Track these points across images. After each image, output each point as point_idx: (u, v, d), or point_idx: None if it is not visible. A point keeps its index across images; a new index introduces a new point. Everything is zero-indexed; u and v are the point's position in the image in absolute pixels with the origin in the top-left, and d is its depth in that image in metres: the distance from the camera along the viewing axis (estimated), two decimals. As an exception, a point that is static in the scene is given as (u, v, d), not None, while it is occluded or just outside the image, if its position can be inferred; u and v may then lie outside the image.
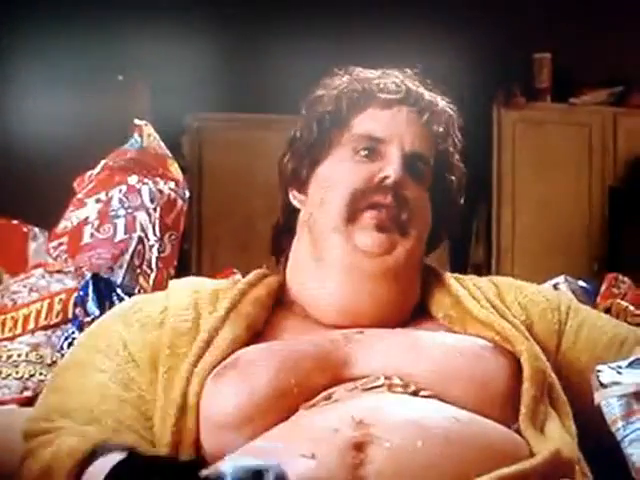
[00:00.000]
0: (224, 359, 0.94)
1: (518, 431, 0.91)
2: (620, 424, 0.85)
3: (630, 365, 0.88)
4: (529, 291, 1.06)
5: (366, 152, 1.01)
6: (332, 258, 0.99)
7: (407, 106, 1.04)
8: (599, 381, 0.87)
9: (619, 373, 0.88)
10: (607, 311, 1.30)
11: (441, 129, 1.05)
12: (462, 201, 1.09)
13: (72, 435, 0.90)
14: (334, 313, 0.99)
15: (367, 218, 0.99)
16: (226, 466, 0.69)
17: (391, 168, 1.00)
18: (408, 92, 1.04)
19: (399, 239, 1.00)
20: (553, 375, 0.97)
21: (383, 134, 1.02)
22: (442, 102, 1.06)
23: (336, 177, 1.01)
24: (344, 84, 1.05)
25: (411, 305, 1.03)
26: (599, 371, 0.88)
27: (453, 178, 1.06)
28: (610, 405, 0.86)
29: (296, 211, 1.06)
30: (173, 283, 1.05)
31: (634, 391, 0.86)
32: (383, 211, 0.99)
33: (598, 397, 0.87)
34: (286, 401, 0.90)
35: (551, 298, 1.06)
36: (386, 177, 0.99)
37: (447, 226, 1.08)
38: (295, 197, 1.05)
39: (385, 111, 1.03)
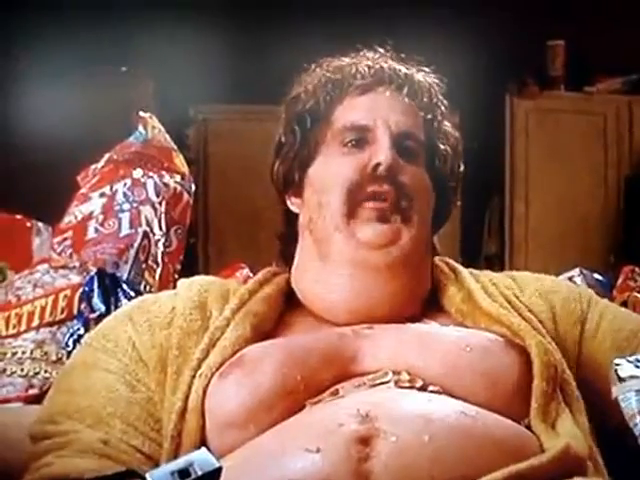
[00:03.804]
0: (228, 359, 0.92)
1: (529, 426, 0.89)
2: (638, 419, 0.84)
3: None
4: (549, 281, 1.05)
5: (353, 142, 0.99)
6: (337, 256, 0.97)
7: (384, 86, 1.01)
8: (617, 375, 0.86)
9: (637, 367, 0.86)
10: (624, 304, 1.29)
11: (424, 100, 1.02)
12: (461, 168, 1.06)
13: (70, 454, 0.89)
14: (344, 312, 0.97)
15: (367, 210, 0.97)
16: (149, 473, 0.69)
17: (382, 154, 0.97)
18: (382, 71, 1.02)
19: (402, 227, 0.97)
20: (567, 370, 0.95)
21: (366, 121, 0.99)
22: (419, 73, 1.04)
23: (329, 175, 0.99)
24: (317, 78, 1.03)
25: (422, 294, 1.01)
26: (617, 364, 0.87)
27: (447, 147, 1.04)
28: (628, 399, 0.85)
29: (297, 216, 1.04)
30: (182, 282, 1.03)
31: None
32: (382, 200, 0.97)
33: (615, 391, 0.86)
34: (292, 398, 0.89)
35: (572, 288, 1.06)
36: (378, 164, 0.97)
37: (450, 199, 1.06)
38: (292, 202, 1.04)
39: (363, 97, 1.01)
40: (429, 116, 1.02)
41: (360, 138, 0.99)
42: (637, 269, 1.48)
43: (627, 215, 4.20)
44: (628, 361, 0.87)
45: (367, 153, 0.98)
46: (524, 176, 4.22)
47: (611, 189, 4.25)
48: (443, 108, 1.05)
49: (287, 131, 1.03)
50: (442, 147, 1.03)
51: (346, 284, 0.97)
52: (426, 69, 1.05)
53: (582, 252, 3.95)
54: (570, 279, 1.35)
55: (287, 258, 1.05)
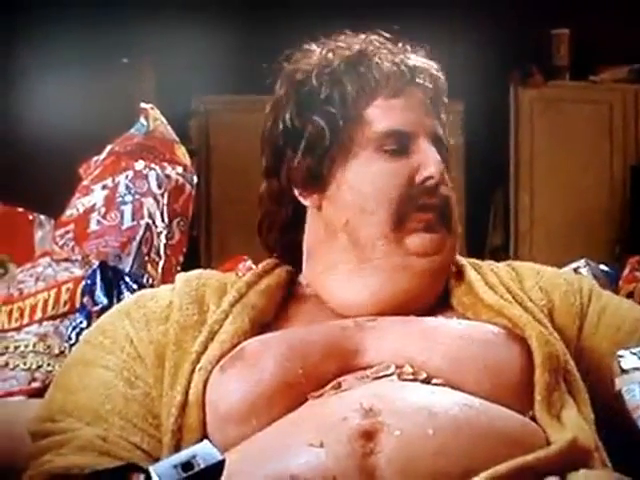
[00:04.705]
0: (227, 353, 0.92)
1: (534, 418, 0.89)
2: None
3: None
4: (549, 274, 1.04)
5: (394, 149, 0.97)
6: (380, 262, 0.96)
7: (413, 86, 0.99)
8: (620, 367, 0.86)
9: None
10: (630, 295, 1.28)
11: (438, 91, 1.01)
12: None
13: (70, 452, 0.89)
14: (368, 309, 0.96)
15: (415, 221, 0.96)
16: (153, 467, 0.69)
17: (432, 167, 0.96)
18: (409, 70, 0.99)
19: (447, 237, 0.98)
20: (571, 361, 0.95)
21: (407, 127, 0.97)
22: (431, 64, 1.02)
23: (371, 181, 0.96)
24: (334, 65, 0.98)
25: (437, 294, 1.00)
26: (620, 356, 0.86)
27: (448, 136, 1.03)
28: (632, 391, 0.84)
29: (303, 207, 1.00)
30: (180, 276, 1.02)
31: None
32: (430, 212, 0.97)
33: (619, 383, 0.85)
34: (294, 391, 0.88)
35: (572, 281, 1.03)
36: (429, 177, 0.96)
37: None
38: (304, 196, 0.99)
39: (397, 99, 0.98)
40: (437, 107, 1.01)
41: (402, 145, 0.97)
42: (643, 260, 1.47)
43: (633, 205, 4.18)
44: (631, 353, 0.86)
45: (412, 163, 0.97)
46: (529, 167, 4.21)
47: (617, 179, 4.23)
48: (445, 98, 1.03)
49: (302, 118, 0.97)
50: (447, 137, 1.02)
51: (382, 285, 0.96)
52: (428, 57, 1.03)
53: (588, 243, 3.94)
54: (576, 270, 1.34)
55: (287, 249, 1.02)
